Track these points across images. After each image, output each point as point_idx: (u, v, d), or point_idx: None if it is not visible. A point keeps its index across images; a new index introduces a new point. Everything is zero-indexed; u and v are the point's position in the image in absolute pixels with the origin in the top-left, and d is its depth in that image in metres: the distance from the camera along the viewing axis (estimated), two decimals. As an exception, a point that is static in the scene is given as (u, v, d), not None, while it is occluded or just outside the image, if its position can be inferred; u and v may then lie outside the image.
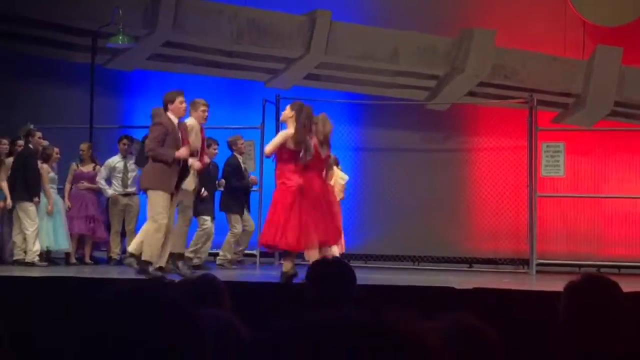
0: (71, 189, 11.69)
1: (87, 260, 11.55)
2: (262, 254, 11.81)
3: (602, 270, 11.42)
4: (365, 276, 8.25)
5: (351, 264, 4.03)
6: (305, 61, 13.16)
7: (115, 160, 11.74)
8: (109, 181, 11.72)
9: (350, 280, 3.52)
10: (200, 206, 10.47)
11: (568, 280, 3.19)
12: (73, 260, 11.44)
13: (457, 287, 7.07)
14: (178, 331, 1.37)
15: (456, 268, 12.20)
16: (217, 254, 11.43)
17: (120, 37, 12.38)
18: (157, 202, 8.61)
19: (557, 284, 3.10)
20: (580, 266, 11.83)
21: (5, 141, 11.29)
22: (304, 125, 8.67)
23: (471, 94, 13.12)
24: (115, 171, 11.68)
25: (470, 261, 12.63)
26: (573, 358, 2.76)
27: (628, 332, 2.93)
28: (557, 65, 12.91)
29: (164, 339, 1.35)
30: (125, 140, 11.86)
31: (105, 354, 1.33)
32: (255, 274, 10.97)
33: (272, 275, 9.70)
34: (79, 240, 11.66)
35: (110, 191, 11.64)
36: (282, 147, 8.67)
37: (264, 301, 6.46)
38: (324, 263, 3.82)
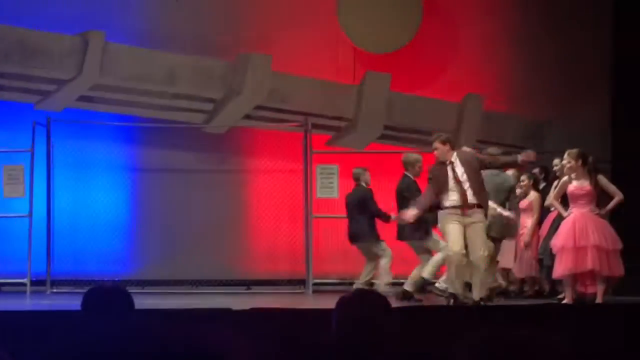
0: None
1: None
2: (33, 283, 11.41)
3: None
4: (142, 302, 8.05)
5: (128, 290, 3.85)
6: (78, 83, 12.73)
7: None
8: None
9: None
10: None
11: (342, 297, 3.25)
12: None
13: (235, 308, 7.06)
14: None
15: (235, 291, 12.20)
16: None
17: None
18: None
19: (332, 302, 3.18)
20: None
21: None
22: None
23: (248, 117, 13.24)
24: None
25: (249, 283, 12.67)
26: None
27: (398, 343, 3.02)
28: (329, 90, 13.29)
29: None
30: None
31: None
32: (27, 303, 10.49)
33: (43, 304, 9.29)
34: None
35: None
36: None
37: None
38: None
